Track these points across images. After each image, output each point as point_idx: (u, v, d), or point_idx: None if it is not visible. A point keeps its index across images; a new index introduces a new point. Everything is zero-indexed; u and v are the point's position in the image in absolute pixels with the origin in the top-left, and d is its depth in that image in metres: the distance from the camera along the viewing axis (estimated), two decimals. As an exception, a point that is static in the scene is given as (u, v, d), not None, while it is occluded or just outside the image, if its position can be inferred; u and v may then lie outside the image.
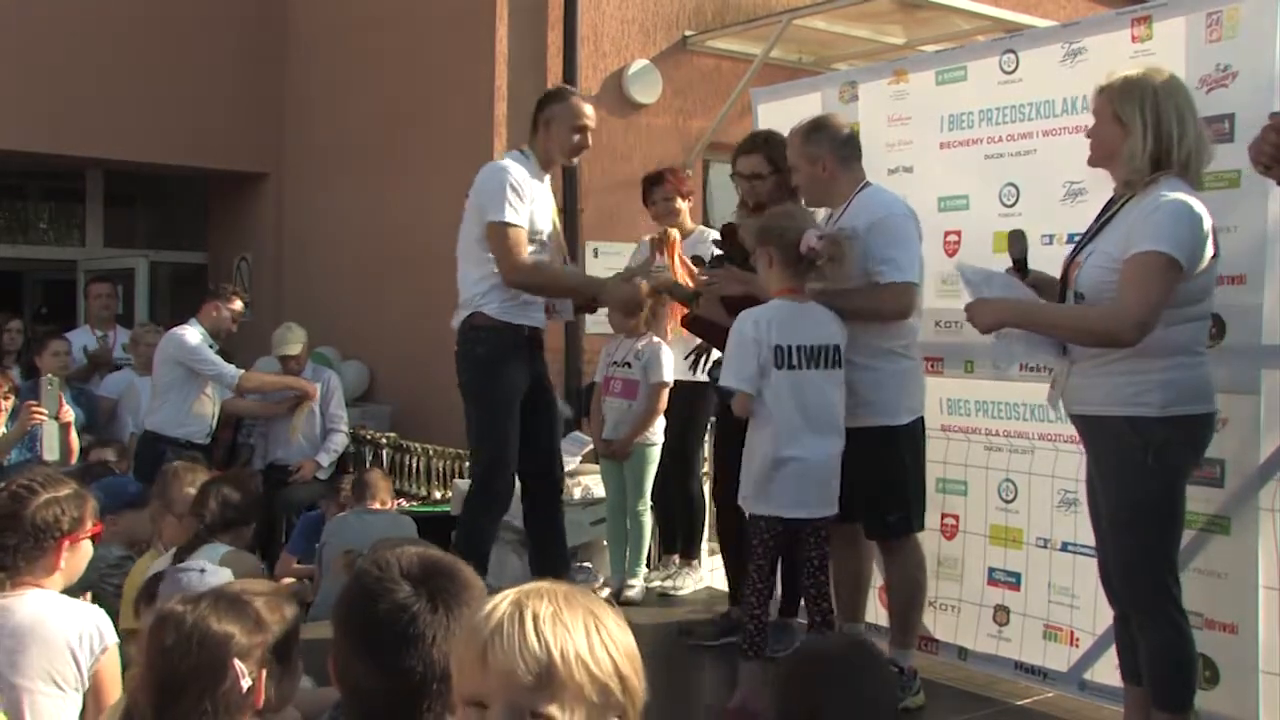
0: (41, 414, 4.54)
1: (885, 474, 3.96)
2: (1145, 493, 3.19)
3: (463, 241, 4.59)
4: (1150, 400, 3.14)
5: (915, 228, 4.00)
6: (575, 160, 4.87)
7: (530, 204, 4.43)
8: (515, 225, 4.38)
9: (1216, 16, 3.63)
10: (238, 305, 6.66)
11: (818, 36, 8.19)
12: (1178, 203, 3.11)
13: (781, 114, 5.16)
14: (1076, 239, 3.49)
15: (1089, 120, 3.89)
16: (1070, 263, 3.36)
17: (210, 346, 6.48)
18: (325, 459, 6.99)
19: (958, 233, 4.40)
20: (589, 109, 4.60)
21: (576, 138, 4.56)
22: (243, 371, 6.60)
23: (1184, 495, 3.25)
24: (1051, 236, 4.01)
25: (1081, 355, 3.27)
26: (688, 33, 8.44)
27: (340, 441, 7.13)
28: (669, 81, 8.33)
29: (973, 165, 4.36)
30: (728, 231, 4.64)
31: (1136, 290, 3.08)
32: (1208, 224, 3.13)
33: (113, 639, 2.85)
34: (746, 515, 3.97)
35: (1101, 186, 3.44)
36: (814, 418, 3.85)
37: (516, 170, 4.45)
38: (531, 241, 4.44)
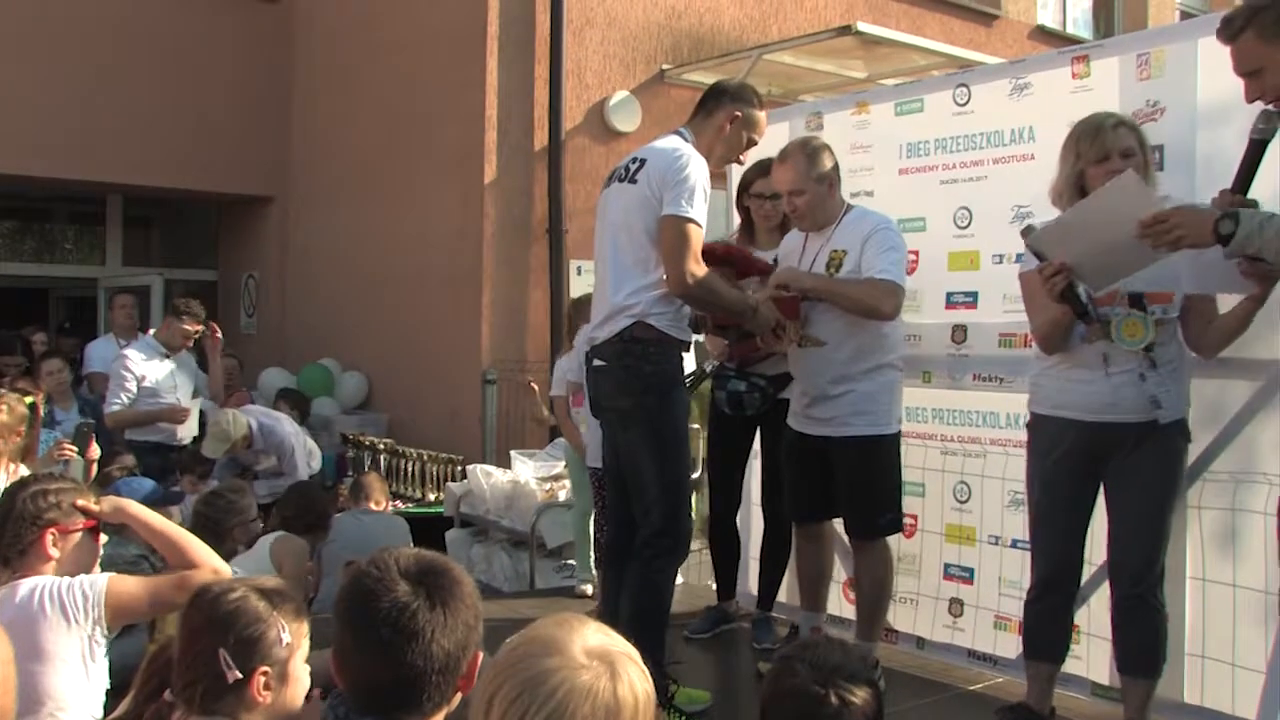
0: (70, 450, 4.54)
1: (881, 478, 3.92)
2: (1177, 489, 3.37)
3: (628, 235, 3.62)
4: (1185, 405, 3.34)
5: (901, 239, 3.95)
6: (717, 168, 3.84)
7: None
8: (699, 225, 3.51)
9: (1145, 57, 3.69)
10: (188, 327, 6.42)
11: (786, 70, 8.24)
12: None
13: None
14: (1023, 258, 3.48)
15: (1035, 149, 3.97)
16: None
17: (164, 357, 6.37)
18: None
19: (915, 252, 4.41)
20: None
21: (743, 155, 3.81)
22: (116, 409, 6.21)
23: None
24: (1001, 256, 4.05)
25: (1161, 361, 3.24)
26: (665, 66, 8.48)
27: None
28: (647, 111, 8.37)
29: (929, 190, 4.38)
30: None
31: None
32: None
33: (100, 579, 2.67)
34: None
35: (1047, 211, 3.45)
36: None
37: (700, 164, 3.56)
38: None
